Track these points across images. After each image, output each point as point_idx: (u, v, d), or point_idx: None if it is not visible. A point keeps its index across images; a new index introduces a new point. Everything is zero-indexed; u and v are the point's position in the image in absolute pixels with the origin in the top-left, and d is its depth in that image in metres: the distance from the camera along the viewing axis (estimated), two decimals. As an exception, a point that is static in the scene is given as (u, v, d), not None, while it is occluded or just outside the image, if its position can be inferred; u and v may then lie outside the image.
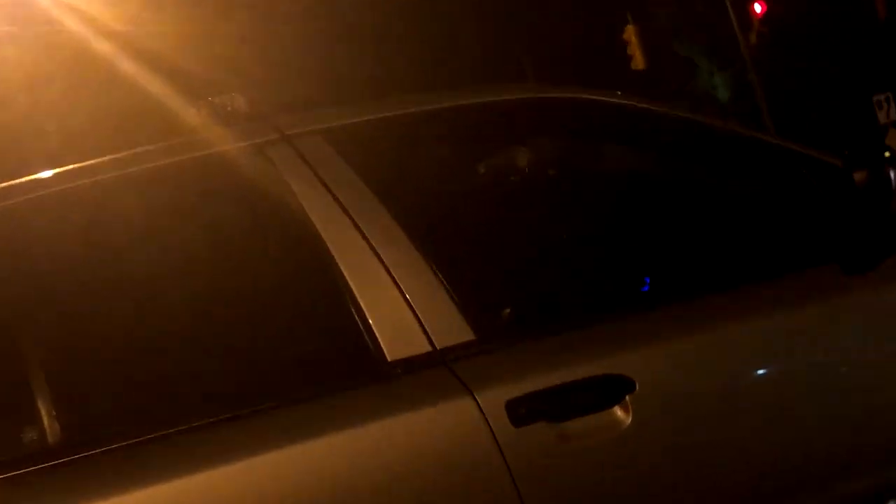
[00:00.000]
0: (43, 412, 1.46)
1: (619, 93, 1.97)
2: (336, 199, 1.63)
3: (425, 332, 1.53)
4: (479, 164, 1.95)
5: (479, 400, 1.46)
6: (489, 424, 1.45)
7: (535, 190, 1.92)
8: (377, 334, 1.52)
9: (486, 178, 1.92)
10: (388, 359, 1.51)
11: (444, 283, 1.57)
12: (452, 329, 1.53)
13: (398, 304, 1.54)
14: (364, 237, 1.60)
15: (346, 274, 1.57)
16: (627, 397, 1.52)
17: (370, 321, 1.52)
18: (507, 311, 1.66)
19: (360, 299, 1.54)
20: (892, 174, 1.65)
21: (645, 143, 1.93)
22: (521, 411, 1.49)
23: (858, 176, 1.67)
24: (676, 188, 1.94)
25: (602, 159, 2.00)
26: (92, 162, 1.72)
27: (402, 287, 1.55)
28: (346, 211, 1.62)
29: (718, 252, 1.80)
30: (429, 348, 1.52)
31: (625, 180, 1.98)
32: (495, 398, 1.47)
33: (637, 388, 1.52)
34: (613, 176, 2.01)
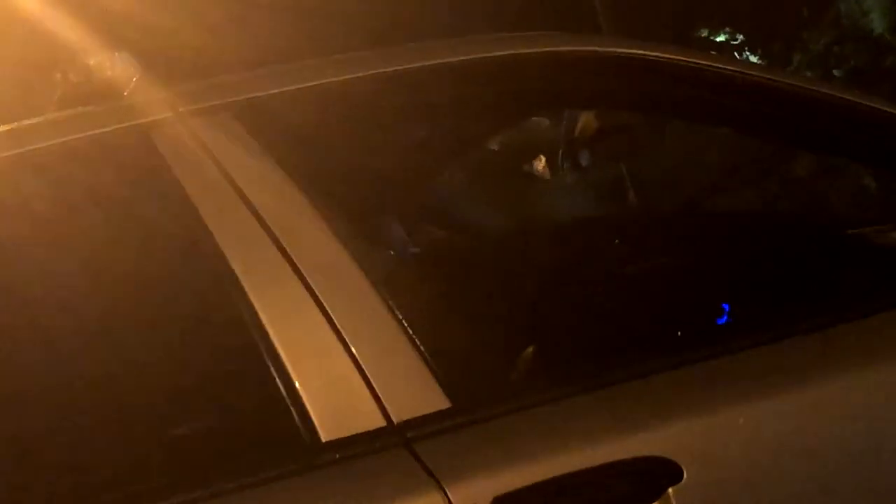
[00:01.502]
0: None
1: (713, 53, 1.98)
2: (249, 205, 1.55)
3: (377, 398, 1.43)
4: (464, 153, 2.03)
5: (450, 496, 1.37)
6: (466, 534, 1.37)
7: (546, 191, 2.00)
8: (306, 403, 1.42)
9: (474, 176, 2.00)
10: (323, 438, 1.41)
11: (406, 325, 1.48)
12: (417, 394, 1.44)
13: (338, 357, 1.44)
14: (289, 260, 1.50)
15: (260, 314, 1.47)
16: (670, 490, 1.42)
17: (295, 383, 1.42)
18: (528, 354, 1.65)
19: (280, 350, 1.44)
20: None
21: (724, 126, 1.97)
22: (515, 514, 1.40)
23: None
24: (743, 184, 2.07)
25: (650, 144, 1.97)
26: None
27: (342, 332, 1.45)
28: (263, 224, 1.53)
29: (804, 274, 1.80)
30: (382, 422, 1.42)
31: (677, 174, 2.08)
32: (476, 493, 1.39)
33: (685, 477, 1.42)
34: (662, 167, 2.12)
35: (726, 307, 1.87)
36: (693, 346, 1.65)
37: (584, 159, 2.67)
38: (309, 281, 1.48)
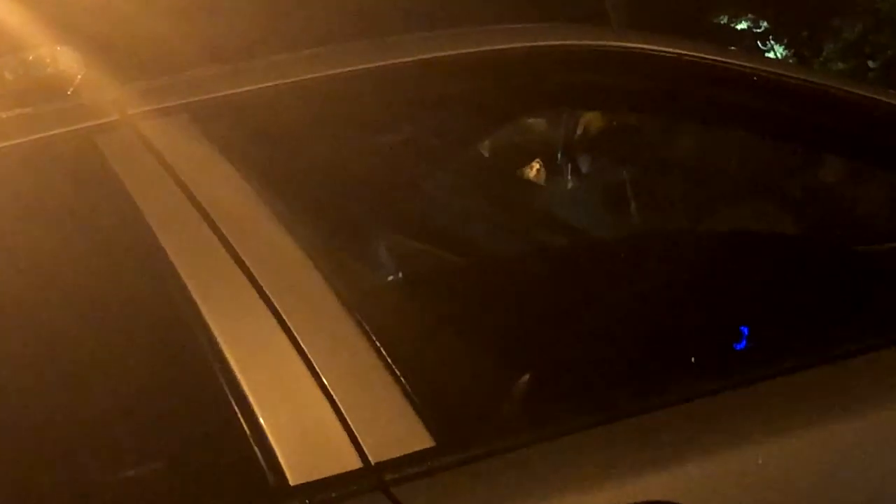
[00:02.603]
0: None
1: (733, 48, 2.01)
2: (210, 222, 1.54)
3: (351, 436, 1.43)
4: (452, 158, 2.06)
5: (435, 549, 1.37)
6: None
7: (541, 200, 2.04)
8: (271, 441, 1.42)
9: (461, 182, 2.02)
10: (291, 482, 1.40)
11: (384, 353, 1.48)
12: (396, 431, 1.44)
13: (307, 389, 1.44)
14: (253, 282, 1.50)
15: (220, 341, 1.46)
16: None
17: (260, 419, 1.42)
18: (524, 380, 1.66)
19: (241, 381, 1.44)
20: None
21: (741, 129, 1.98)
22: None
23: None
24: (763, 192, 2.09)
25: (659, 149, 2.10)
26: None
27: (312, 361, 1.45)
28: (225, 242, 1.52)
29: (829, 295, 1.82)
30: (357, 463, 1.42)
31: (689, 182, 2.11)
32: (463, 545, 1.39)
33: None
34: (673, 175, 2.14)
35: (745, 331, 1.88)
36: (705, 376, 1.66)
37: (585, 165, 2.69)
38: (276, 305, 1.48)
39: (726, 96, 1.95)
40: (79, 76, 1.77)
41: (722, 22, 9.76)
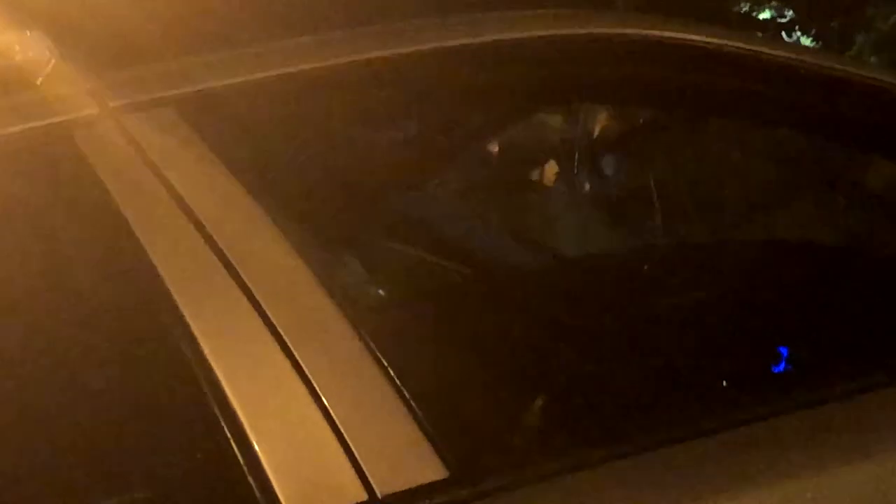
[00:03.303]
0: None
1: (759, 34, 2.03)
2: (200, 226, 1.54)
3: (356, 466, 1.40)
4: (460, 156, 2.08)
5: None
6: None
7: (557, 205, 2.09)
8: (268, 472, 1.40)
9: (470, 185, 2.06)
10: None
11: (392, 374, 1.47)
12: (406, 461, 1.43)
13: (308, 414, 1.42)
14: (247, 293, 1.49)
15: (210, 360, 1.45)
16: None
17: (255, 446, 1.40)
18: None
19: (235, 404, 1.42)
20: None
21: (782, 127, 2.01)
22: None
23: None
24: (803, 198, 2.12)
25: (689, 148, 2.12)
26: None
27: (313, 382, 1.44)
28: (216, 249, 1.52)
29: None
30: (363, 496, 1.40)
31: (722, 186, 2.15)
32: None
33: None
34: (703, 177, 2.18)
35: (784, 352, 1.88)
36: (740, 404, 1.65)
37: (606, 167, 2.69)
38: (272, 320, 1.47)
39: (773, 92, 1.97)
40: (50, 64, 1.75)
41: (742, 10, 9.79)
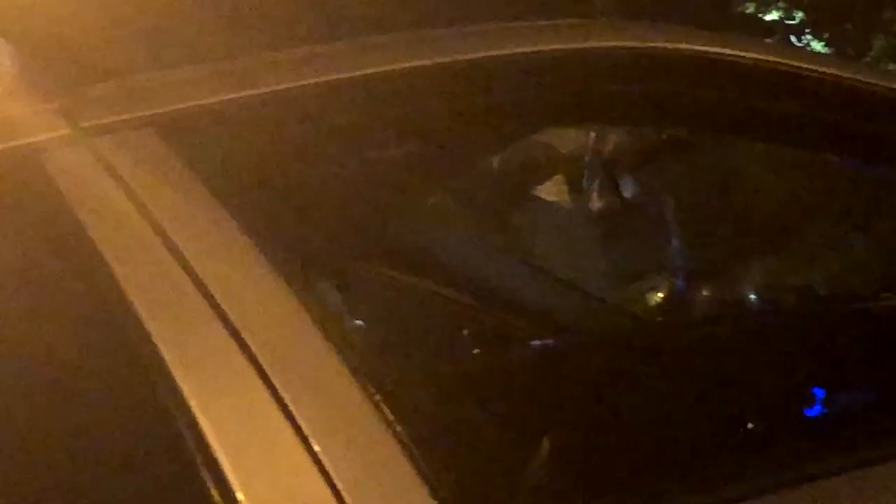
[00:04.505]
0: None
1: (768, 41, 2.06)
2: (179, 256, 1.52)
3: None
4: (459, 178, 2.13)
5: None
6: None
7: (562, 233, 2.19)
8: None
9: (471, 208, 2.11)
10: None
11: (387, 415, 1.44)
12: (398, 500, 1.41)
13: (295, 459, 1.40)
14: (230, 327, 1.47)
15: (189, 400, 1.42)
16: None
17: (238, 496, 1.38)
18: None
19: (216, 449, 1.40)
20: None
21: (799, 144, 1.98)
22: None
23: None
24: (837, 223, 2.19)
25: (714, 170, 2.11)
26: None
27: (300, 423, 1.41)
28: (196, 280, 1.50)
29: None
30: None
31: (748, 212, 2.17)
32: None
33: None
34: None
35: (820, 394, 1.88)
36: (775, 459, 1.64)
37: (623, 189, 2.67)
38: (258, 358, 1.45)
39: (800, 109, 1.96)
40: (11, 76, 1.72)
41: (747, 11, 9.81)
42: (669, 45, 1.92)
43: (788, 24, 9.57)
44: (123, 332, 1.49)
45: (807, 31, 9.38)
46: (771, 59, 1.93)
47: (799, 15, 9.44)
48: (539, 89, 1.92)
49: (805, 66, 1.96)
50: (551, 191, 2.59)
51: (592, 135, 2.53)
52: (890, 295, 2.25)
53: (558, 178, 2.61)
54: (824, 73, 1.95)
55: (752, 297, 2.50)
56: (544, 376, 2.13)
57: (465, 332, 2.22)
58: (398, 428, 1.45)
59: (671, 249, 2.62)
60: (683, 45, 1.92)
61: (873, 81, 1.95)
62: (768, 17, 9.55)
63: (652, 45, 1.92)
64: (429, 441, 1.47)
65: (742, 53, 1.91)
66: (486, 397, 1.80)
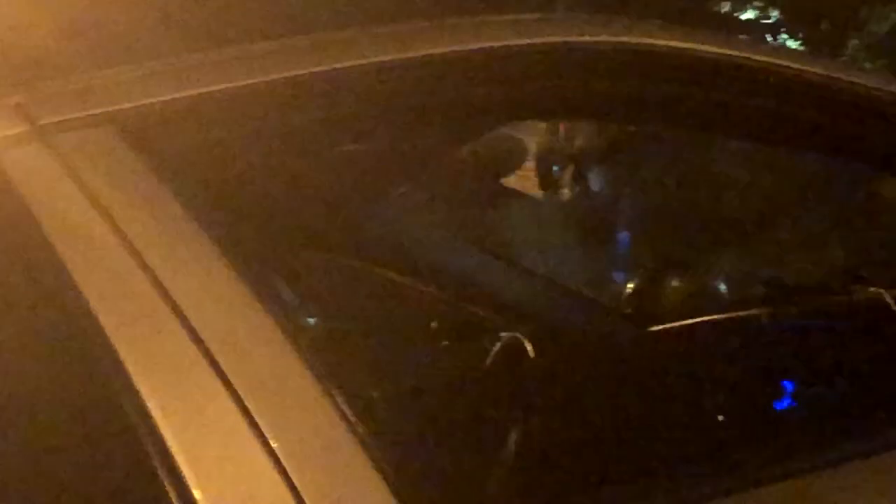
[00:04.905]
0: None
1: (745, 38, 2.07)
2: (140, 260, 1.49)
3: None
4: (437, 176, 2.18)
5: None
6: None
7: (531, 228, 2.12)
8: None
9: (439, 204, 2.15)
10: None
11: (354, 424, 1.41)
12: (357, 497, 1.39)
13: (247, 448, 1.38)
14: (193, 335, 1.44)
15: (153, 414, 1.39)
16: None
17: (189, 486, 1.36)
18: None
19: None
20: None
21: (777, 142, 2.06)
22: None
23: None
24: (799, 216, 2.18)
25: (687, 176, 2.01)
26: None
27: (253, 415, 1.39)
28: (159, 286, 1.47)
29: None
30: None
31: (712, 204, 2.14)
32: None
33: None
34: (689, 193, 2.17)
35: (789, 386, 1.89)
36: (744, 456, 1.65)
37: (590, 182, 2.66)
38: (213, 353, 1.43)
39: (776, 106, 1.96)
40: None
41: (722, 11, 9.83)
42: (634, 41, 1.92)
43: (764, 23, 9.60)
44: (80, 331, 1.48)
45: (783, 29, 9.41)
46: (739, 54, 1.93)
47: (775, 14, 9.47)
48: (505, 84, 1.91)
49: (776, 62, 1.96)
50: (518, 183, 2.58)
51: (561, 128, 2.52)
52: (860, 287, 2.25)
53: (526, 170, 2.60)
54: (797, 69, 1.96)
55: (723, 290, 2.51)
56: (513, 370, 2.12)
57: (434, 324, 2.22)
58: (359, 425, 1.43)
59: (638, 242, 2.61)
60: (649, 40, 1.91)
61: (846, 78, 1.96)
62: (744, 17, 9.58)
63: (616, 39, 1.92)
64: (389, 437, 1.45)
65: (710, 49, 1.91)
66: (451, 392, 1.79)
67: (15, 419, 1.52)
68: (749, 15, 9.55)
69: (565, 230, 2.70)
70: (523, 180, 2.66)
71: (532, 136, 2.60)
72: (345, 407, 1.43)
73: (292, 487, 1.37)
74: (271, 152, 1.83)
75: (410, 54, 1.85)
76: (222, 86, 1.74)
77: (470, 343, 2.19)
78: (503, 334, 2.21)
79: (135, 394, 1.42)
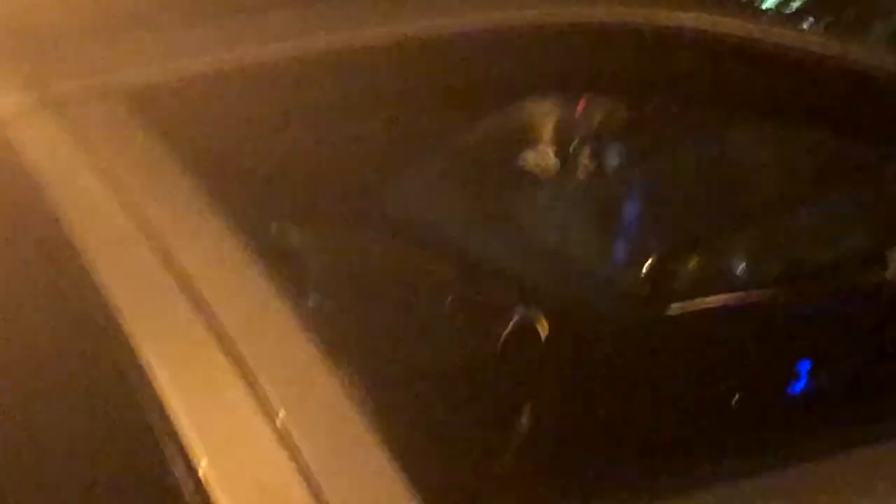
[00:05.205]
0: None
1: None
2: (154, 240, 1.49)
3: None
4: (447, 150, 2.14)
5: None
6: None
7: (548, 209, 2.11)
8: None
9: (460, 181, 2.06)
10: None
11: (363, 400, 1.42)
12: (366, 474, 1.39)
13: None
14: (208, 314, 1.44)
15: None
16: None
17: (195, 459, 1.35)
18: None
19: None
20: None
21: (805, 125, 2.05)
22: None
23: None
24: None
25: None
26: None
27: (263, 390, 1.39)
28: (172, 266, 1.47)
29: None
30: None
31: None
32: None
33: None
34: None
35: (804, 368, 1.89)
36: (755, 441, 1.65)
37: (605, 161, 2.66)
38: (224, 327, 1.43)
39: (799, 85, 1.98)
40: None
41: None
42: (654, 18, 1.92)
43: (784, 11, 9.53)
44: (88, 306, 1.47)
45: (805, 16, 9.33)
46: (762, 34, 1.94)
47: (796, 4, 9.40)
48: (522, 60, 1.92)
49: (798, 43, 1.97)
50: (535, 161, 2.58)
51: (578, 105, 2.52)
52: (878, 269, 2.25)
53: (542, 148, 2.60)
54: (819, 51, 1.96)
55: (739, 271, 2.51)
56: (527, 348, 2.13)
57: (448, 300, 2.22)
58: (370, 406, 1.43)
59: (656, 221, 2.61)
60: (667, 19, 1.91)
61: (869, 60, 1.96)
62: (764, 6, 9.52)
63: (635, 17, 1.92)
64: (399, 414, 1.44)
65: (731, 27, 1.93)
66: (463, 369, 1.79)
67: (23, 391, 1.52)
68: (769, 3, 9.54)
69: (582, 209, 2.70)
70: (540, 158, 2.66)
71: (549, 114, 2.59)
72: (354, 383, 1.43)
73: (298, 458, 1.37)
74: (285, 126, 1.83)
75: (423, 30, 1.85)
76: (236, 57, 1.73)
77: (484, 321, 2.19)
78: (518, 313, 2.22)
79: (142, 365, 1.41)
